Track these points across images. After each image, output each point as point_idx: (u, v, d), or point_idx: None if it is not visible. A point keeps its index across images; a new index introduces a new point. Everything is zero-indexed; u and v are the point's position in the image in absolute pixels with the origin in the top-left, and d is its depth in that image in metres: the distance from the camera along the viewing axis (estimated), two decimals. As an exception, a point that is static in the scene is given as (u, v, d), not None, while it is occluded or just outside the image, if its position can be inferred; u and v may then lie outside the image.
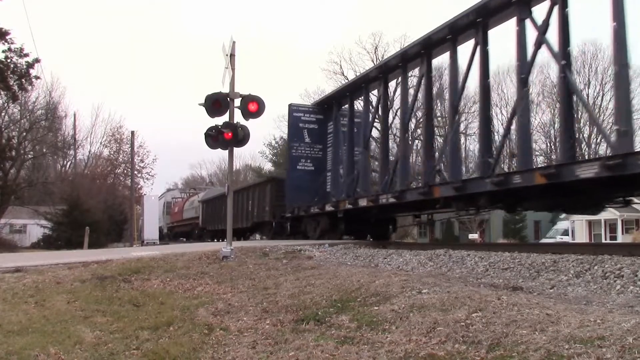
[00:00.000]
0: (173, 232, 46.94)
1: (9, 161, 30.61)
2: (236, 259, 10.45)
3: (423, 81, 14.38)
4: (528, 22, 10.61)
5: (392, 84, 19.70)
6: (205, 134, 11.32)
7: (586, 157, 26.13)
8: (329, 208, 16.79)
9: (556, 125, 36.68)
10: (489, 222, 38.80)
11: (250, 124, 11.48)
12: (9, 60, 24.79)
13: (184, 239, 40.67)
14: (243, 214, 24.08)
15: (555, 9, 9.99)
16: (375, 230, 17.26)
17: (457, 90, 13.01)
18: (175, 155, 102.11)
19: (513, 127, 11.83)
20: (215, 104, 11.14)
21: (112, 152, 48.45)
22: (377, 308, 5.26)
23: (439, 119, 34.54)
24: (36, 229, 34.68)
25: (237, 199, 23.38)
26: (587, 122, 36.59)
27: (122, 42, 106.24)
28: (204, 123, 33.62)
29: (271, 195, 20.57)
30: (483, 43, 11.73)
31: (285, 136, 51.60)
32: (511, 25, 11.06)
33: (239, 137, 11.26)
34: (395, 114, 27.06)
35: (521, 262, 7.38)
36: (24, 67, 25.11)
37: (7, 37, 24.39)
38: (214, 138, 11.28)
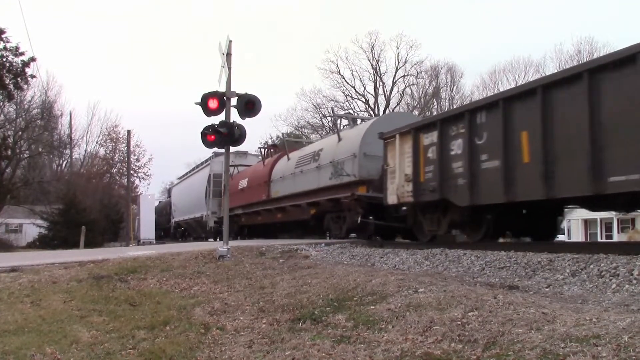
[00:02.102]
0: (238, 224, 23.89)
1: (5, 160, 30.55)
2: (232, 259, 10.44)
3: None
4: None
5: None
6: (201, 133, 11.33)
7: None
8: None
9: None
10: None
11: (247, 123, 11.51)
12: (4, 59, 24.80)
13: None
14: None
15: None
16: None
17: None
18: (171, 155, 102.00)
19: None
20: (212, 102, 11.14)
21: (108, 152, 48.53)
22: (373, 307, 5.26)
23: None
24: (32, 228, 34.58)
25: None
26: None
27: (119, 40, 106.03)
28: (201, 122, 32.21)
29: None
30: None
31: (281, 135, 51.83)
32: None
33: (235, 136, 11.28)
34: None
35: (517, 261, 7.40)
36: (20, 65, 25.11)
37: (3, 36, 24.42)
38: (211, 137, 11.28)
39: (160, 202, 51.62)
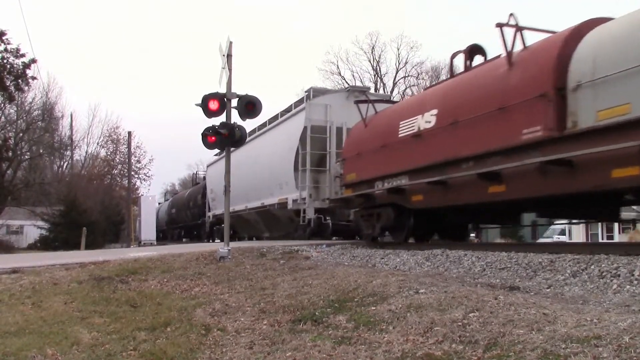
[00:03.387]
0: (402, 207, 11.04)
1: (6, 162, 30.61)
2: (233, 260, 10.44)
3: None
4: None
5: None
6: (202, 134, 11.34)
7: None
8: None
9: None
10: (486, 222, 38.41)
11: (247, 124, 11.53)
12: (5, 61, 24.86)
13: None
14: None
15: None
16: None
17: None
18: (171, 156, 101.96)
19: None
20: (212, 104, 11.15)
21: (109, 153, 48.58)
22: (374, 308, 5.26)
23: None
24: (33, 230, 34.59)
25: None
26: None
27: (120, 41, 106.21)
28: (201, 123, 31.33)
29: None
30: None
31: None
32: None
33: (236, 137, 11.30)
34: None
35: (518, 261, 7.39)
36: (21, 67, 25.19)
37: (4, 38, 24.48)
38: (211, 138, 11.30)
39: (177, 192, 48.21)
